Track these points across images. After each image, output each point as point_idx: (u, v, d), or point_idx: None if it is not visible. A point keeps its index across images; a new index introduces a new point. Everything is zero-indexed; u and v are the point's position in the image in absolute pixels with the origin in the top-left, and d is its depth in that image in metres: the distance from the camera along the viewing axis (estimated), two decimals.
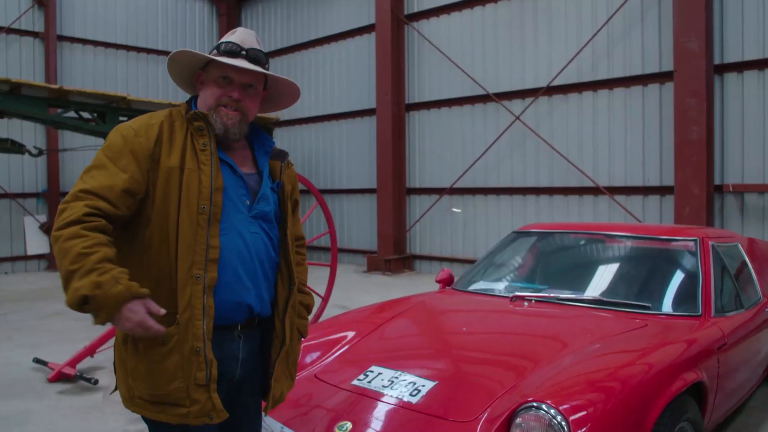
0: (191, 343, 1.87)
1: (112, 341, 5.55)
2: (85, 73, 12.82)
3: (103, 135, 9.95)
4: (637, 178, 8.82)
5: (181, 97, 14.03)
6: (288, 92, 2.26)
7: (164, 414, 1.90)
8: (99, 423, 4.20)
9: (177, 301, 1.88)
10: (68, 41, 12.61)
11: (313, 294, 2.37)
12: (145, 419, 1.99)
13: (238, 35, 2.07)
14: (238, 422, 2.14)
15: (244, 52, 2.03)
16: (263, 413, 2.23)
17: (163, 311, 1.78)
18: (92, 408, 4.50)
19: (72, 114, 9.67)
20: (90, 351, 5.35)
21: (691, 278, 3.64)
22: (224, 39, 2.08)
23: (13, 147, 9.74)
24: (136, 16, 13.61)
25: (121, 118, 9.95)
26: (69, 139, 12.15)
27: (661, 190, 8.56)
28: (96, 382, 4.91)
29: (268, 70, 2.10)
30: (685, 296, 3.55)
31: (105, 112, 9.59)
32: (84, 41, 12.84)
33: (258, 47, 2.08)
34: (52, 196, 12.26)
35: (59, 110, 9.51)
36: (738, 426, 3.99)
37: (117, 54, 13.32)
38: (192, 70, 2.13)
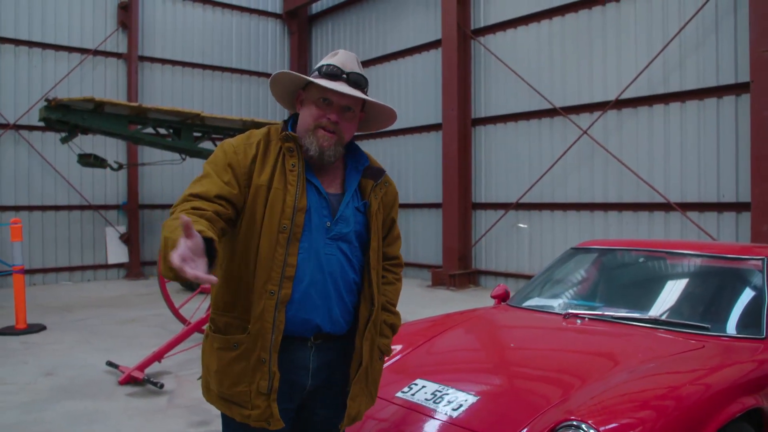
0: (258, 353, 1.97)
1: (180, 347, 5.82)
2: (164, 91, 13.47)
3: (179, 150, 10.44)
4: (711, 194, 8.47)
5: (253, 113, 14.54)
6: (385, 115, 2.27)
7: (231, 410, 2.05)
8: (162, 425, 4.39)
9: (250, 312, 1.99)
10: (148, 61, 13.29)
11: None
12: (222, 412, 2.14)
13: (340, 58, 2.10)
14: None
15: (344, 75, 2.06)
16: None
17: (202, 275, 1.55)
18: (157, 411, 4.70)
19: (150, 130, 10.20)
20: (158, 356, 5.59)
21: (756, 299, 3.47)
22: (325, 61, 2.10)
23: (96, 162, 10.35)
24: (212, 36, 14.21)
25: (195, 134, 10.40)
26: (147, 153, 12.77)
27: (738, 207, 8.19)
28: (162, 386, 5.12)
29: (367, 93, 2.13)
30: (748, 318, 3.39)
31: (180, 128, 10.06)
32: (163, 61, 13.50)
33: (358, 71, 2.10)
34: (131, 208, 12.91)
35: (138, 127, 10.04)
36: None
37: (193, 72, 13.93)
38: (293, 91, 2.18)
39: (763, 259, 3.66)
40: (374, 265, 2.17)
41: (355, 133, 2.22)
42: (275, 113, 15.14)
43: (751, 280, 3.63)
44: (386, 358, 3.32)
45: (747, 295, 3.62)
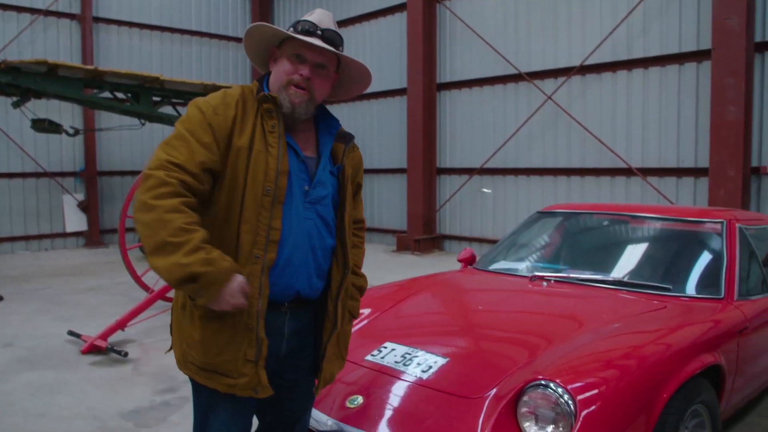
0: (245, 320, 1.93)
1: (143, 315, 5.73)
2: (121, 54, 13.02)
3: (137, 114, 10.15)
4: (671, 159, 8.63)
5: (214, 77, 14.19)
6: (359, 79, 2.25)
7: (213, 381, 1.98)
8: (127, 393, 4.34)
9: None
10: (104, 23, 12.81)
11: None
12: (193, 382, 2.08)
13: (316, 15, 2.07)
14: (287, 397, 2.21)
15: (319, 32, 2.03)
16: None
17: (248, 290, 1.89)
18: (122, 379, 4.64)
19: (107, 94, 9.87)
20: (121, 324, 5.51)
21: (715, 261, 3.57)
22: (302, 18, 2.08)
23: (51, 127, 10.00)
24: None
25: (154, 98, 10.12)
26: (105, 119, 12.40)
27: (696, 172, 8.37)
28: (126, 354, 5.06)
29: (342, 52, 2.10)
30: (708, 279, 3.49)
31: (139, 92, 9.76)
32: (119, 23, 13.03)
33: (334, 29, 2.08)
34: (89, 175, 12.56)
35: (95, 91, 9.71)
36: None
37: (152, 35, 13.49)
38: (266, 48, 2.14)
39: (722, 222, 3.75)
40: (347, 229, 2.18)
41: (325, 100, 2.18)
42: (236, 77, 14.82)
43: (711, 242, 3.72)
44: (354, 321, 3.35)
45: (706, 257, 3.72)
